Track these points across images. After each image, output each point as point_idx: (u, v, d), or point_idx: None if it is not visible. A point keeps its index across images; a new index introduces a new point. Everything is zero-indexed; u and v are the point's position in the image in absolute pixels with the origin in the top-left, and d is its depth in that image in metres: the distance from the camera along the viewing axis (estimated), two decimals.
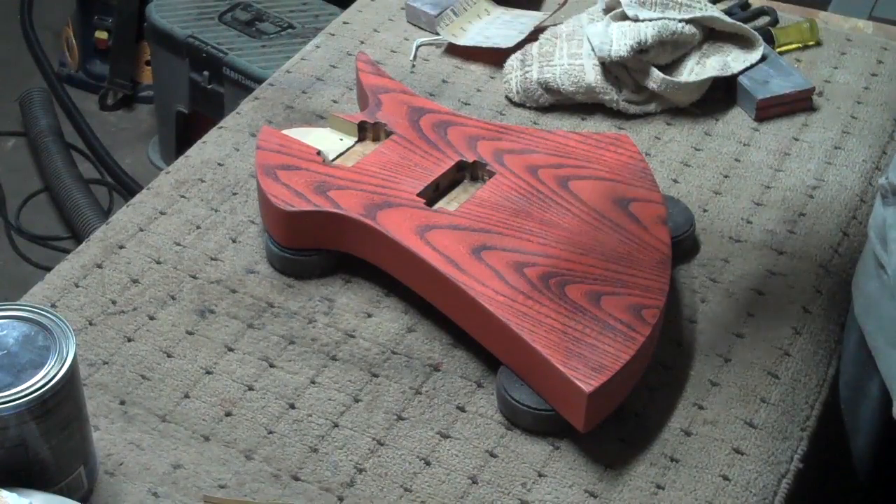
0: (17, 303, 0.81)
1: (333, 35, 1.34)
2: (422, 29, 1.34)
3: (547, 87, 1.20)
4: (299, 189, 1.00)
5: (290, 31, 2.19)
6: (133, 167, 2.49)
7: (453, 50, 1.31)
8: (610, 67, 1.19)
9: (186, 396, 0.91)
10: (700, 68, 1.21)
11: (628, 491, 0.85)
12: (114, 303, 0.99)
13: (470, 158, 1.04)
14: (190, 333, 0.96)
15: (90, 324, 0.97)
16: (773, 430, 0.90)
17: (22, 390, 0.74)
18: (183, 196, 1.10)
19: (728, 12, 1.28)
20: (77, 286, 1.00)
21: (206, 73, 2.15)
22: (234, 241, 1.05)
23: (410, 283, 0.97)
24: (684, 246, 1.04)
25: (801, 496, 0.89)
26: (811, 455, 0.90)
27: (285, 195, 0.99)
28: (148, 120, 2.65)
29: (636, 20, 1.18)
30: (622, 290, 0.91)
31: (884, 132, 1.19)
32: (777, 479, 0.87)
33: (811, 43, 1.32)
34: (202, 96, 2.18)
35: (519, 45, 1.27)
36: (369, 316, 0.98)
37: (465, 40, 1.30)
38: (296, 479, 0.85)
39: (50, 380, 0.75)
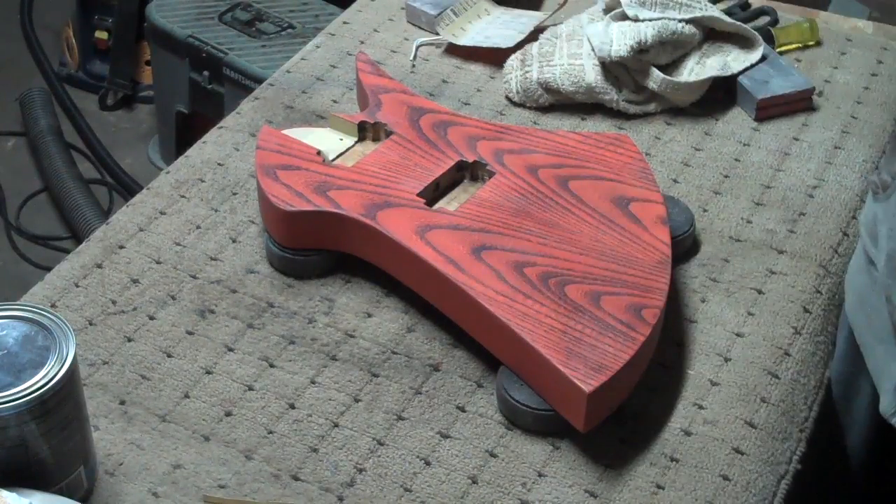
0: (17, 303, 0.81)
1: (333, 35, 1.34)
2: (422, 29, 1.34)
3: (547, 87, 1.20)
4: (299, 189, 1.00)
5: (290, 31, 2.19)
6: (133, 167, 2.49)
7: (453, 50, 1.31)
8: (610, 67, 1.19)
9: (186, 396, 0.91)
10: (700, 68, 1.21)
11: (628, 491, 0.85)
12: (114, 303, 0.99)
13: (470, 158, 1.04)
14: (190, 333, 0.96)
15: (90, 324, 0.97)
16: (773, 431, 0.90)
17: (22, 390, 0.74)
18: (183, 196, 1.10)
19: (728, 12, 1.28)
20: (77, 286, 1.00)
21: (206, 73, 2.15)
22: (234, 241, 1.05)
23: (410, 283, 0.97)
24: (684, 246, 1.04)
25: (798, 495, 0.89)
26: (808, 455, 0.90)
27: (285, 195, 0.99)
28: (148, 120, 2.65)
29: (636, 20, 1.18)
30: (622, 290, 0.91)
31: (884, 132, 1.19)
32: (776, 479, 0.87)
33: (811, 43, 1.32)
34: (202, 96, 2.18)
35: (519, 45, 1.27)
36: (369, 316, 0.98)
37: (465, 40, 1.30)
38: (296, 479, 0.85)
39: (50, 380, 0.74)
